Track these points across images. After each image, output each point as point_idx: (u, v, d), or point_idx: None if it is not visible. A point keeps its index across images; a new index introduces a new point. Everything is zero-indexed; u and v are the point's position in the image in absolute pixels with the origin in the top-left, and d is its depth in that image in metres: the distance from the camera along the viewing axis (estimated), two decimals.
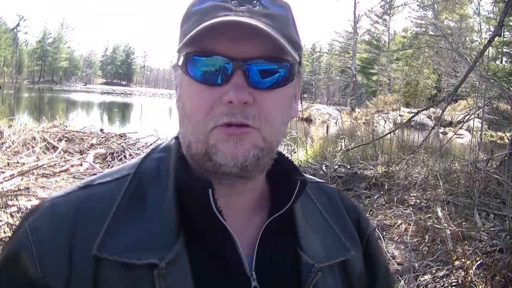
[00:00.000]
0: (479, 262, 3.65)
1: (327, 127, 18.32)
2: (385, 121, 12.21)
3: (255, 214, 0.74)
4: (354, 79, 39.60)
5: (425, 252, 4.35)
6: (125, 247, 0.62)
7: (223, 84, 0.64)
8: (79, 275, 0.61)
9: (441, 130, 14.52)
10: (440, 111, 10.71)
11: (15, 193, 5.73)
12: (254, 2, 0.66)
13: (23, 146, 8.90)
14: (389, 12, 40.76)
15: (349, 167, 8.04)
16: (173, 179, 0.69)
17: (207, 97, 0.65)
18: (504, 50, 32.89)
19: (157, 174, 0.70)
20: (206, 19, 0.63)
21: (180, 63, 0.68)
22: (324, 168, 7.58)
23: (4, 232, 4.56)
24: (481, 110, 10.39)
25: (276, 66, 0.66)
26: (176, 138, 0.75)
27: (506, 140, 8.94)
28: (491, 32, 10.86)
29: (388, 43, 52.88)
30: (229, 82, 0.63)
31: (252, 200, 0.74)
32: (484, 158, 7.69)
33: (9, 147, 8.61)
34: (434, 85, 32.76)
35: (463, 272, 3.60)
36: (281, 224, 0.72)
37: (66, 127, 12.15)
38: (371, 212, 5.55)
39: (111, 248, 0.62)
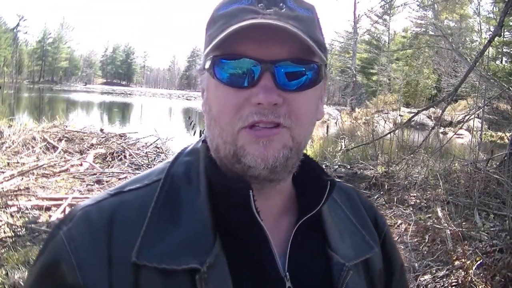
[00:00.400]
0: (479, 262, 3.65)
1: (327, 127, 18.28)
2: (385, 121, 12.23)
3: (283, 215, 0.74)
4: (354, 79, 39.54)
5: (425, 252, 4.35)
6: (163, 253, 0.62)
7: (249, 86, 0.64)
8: (119, 282, 0.61)
9: (441, 130, 14.52)
10: (440, 111, 10.72)
11: (15, 193, 5.74)
12: (281, 4, 0.66)
13: (23, 146, 8.91)
14: (389, 12, 40.78)
15: (349, 167, 8.04)
16: (204, 181, 0.69)
17: (234, 99, 0.65)
18: (504, 50, 32.86)
19: (188, 178, 0.70)
20: (233, 22, 0.63)
21: (207, 66, 0.68)
22: (324, 168, 7.58)
23: (4, 232, 4.55)
24: (481, 110, 10.40)
25: (304, 68, 0.66)
26: (203, 141, 0.74)
27: (506, 140, 8.94)
28: (491, 32, 10.87)
29: (388, 43, 52.86)
30: (258, 84, 0.63)
31: (280, 202, 0.74)
32: (484, 158, 7.68)
33: (9, 147, 8.62)
34: (434, 85, 32.77)
35: (463, 272, 3.61)
36: (310, 224, 0.73)
37: (66, 127, 12.16)
38: None
39: (149, 254, 0.62)
